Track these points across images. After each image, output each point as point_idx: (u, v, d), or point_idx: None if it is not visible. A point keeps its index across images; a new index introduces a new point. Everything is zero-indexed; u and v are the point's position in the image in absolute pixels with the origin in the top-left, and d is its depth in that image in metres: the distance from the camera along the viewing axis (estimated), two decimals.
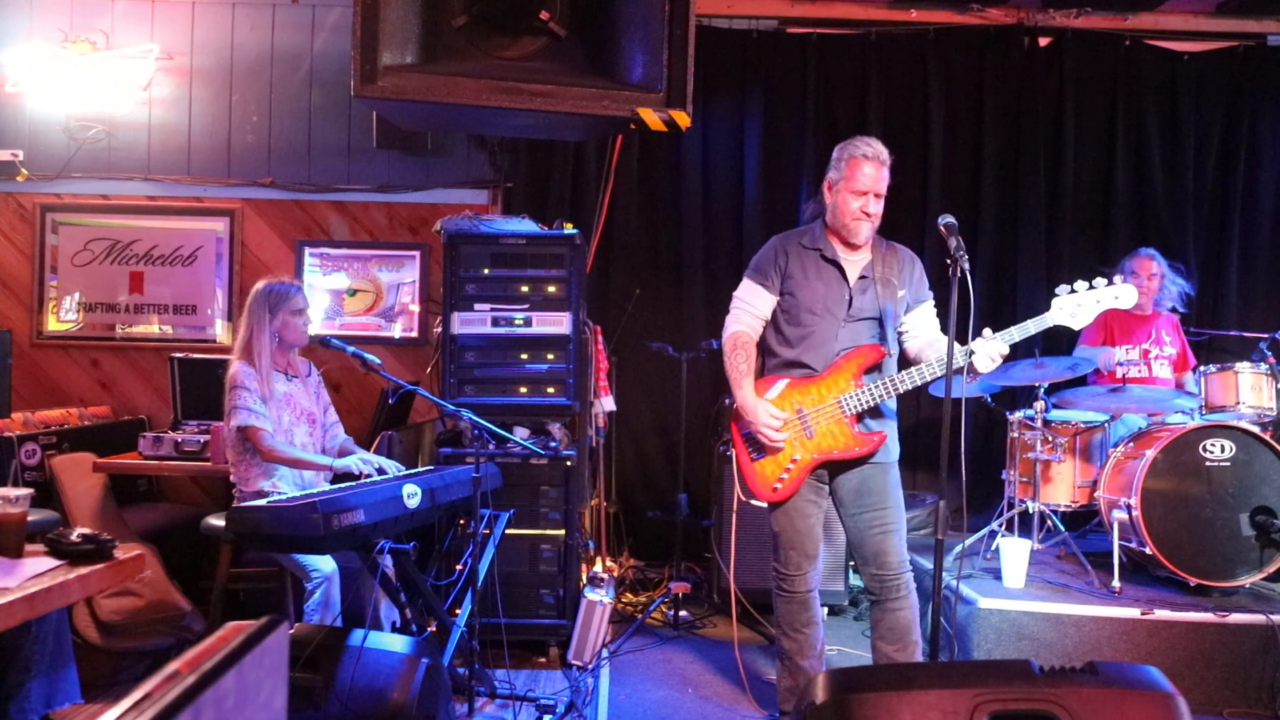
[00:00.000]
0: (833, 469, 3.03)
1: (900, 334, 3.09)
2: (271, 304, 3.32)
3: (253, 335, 3.30)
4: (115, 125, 4.91)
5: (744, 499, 3.13)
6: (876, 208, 2.97)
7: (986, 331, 2.88)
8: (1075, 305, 2.89)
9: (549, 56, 3.23)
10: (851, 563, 4.48)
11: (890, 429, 3.03)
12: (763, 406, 2.97)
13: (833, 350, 3.00)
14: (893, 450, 3.03)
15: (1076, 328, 2.98)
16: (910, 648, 2.94)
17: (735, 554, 4.25)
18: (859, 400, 2.93)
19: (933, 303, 3.11)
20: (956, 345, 2.84)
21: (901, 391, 2.93)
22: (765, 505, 3.09)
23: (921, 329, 3.07)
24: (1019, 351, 4.91)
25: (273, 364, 3.34)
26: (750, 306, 3.11)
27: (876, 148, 2.96)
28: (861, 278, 3.02)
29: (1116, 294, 2.89)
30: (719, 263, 5.20)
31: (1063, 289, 2.91)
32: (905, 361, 3.09)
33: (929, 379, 2.91)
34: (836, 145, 3.06)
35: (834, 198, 3.01)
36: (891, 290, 3.02)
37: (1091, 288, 2.87)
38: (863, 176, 2.94)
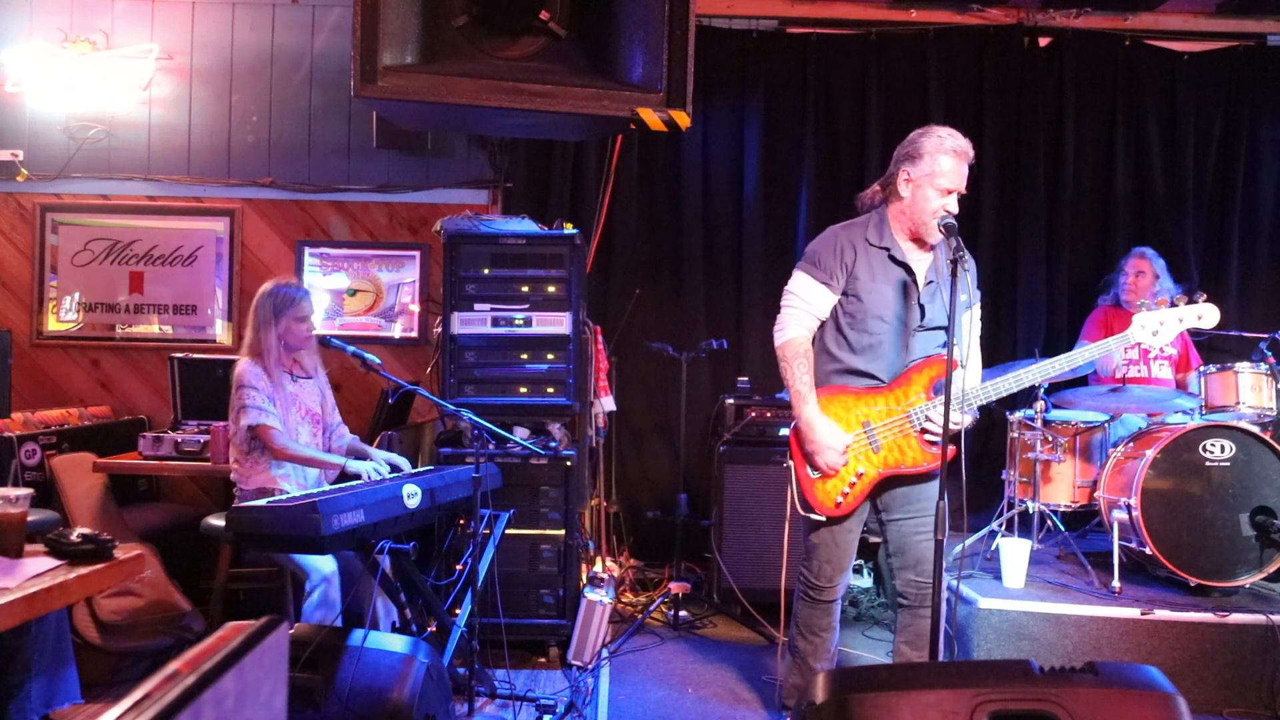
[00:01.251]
0: (889, 479, 2.88)
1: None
2: (277, 308, 3.33)
3: (259, 335, 3.32)
4: (115, 125, 4.90)
5: (801, 512, 2.89)
6: (956, 207, 2.77)
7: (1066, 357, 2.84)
8: (1157, 323, 2.81)
9: (549, 56, 3.23)
10: (856, 563, 4.49)
11: (958, 443, 2.85)
12: (829, 431, 2.79)
13: (903, 361, 2.84)
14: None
15: (1157, 346, 2.92)
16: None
17: (738, 554, 4.27)
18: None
19: (979, 306, 2.95)
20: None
21: (974, 406, 2.77)
22: (824, 519, 2.92)
23: (967, 336, 2.91)
24: (1019, 352, 4.97)
25: (279, 363, 3.35)
26: (809, 306, 2.90)
27: (964, 142, 2.76)
28: (929, 282, 2.84)
29: (1200, 313, 2.79)
30: (719, 263, 5.20)
31: (1144, 304, 2.83)
32: None
33: (1004, 394, 2.80)
34: (915, 131, 2.84)
35: (914, 192, 2.79)
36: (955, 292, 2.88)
37: (1173, 305, 2.79)
38: (952, 173, 2.73)
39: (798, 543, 3.20)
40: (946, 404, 2.55)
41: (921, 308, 2.84)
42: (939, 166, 2.74)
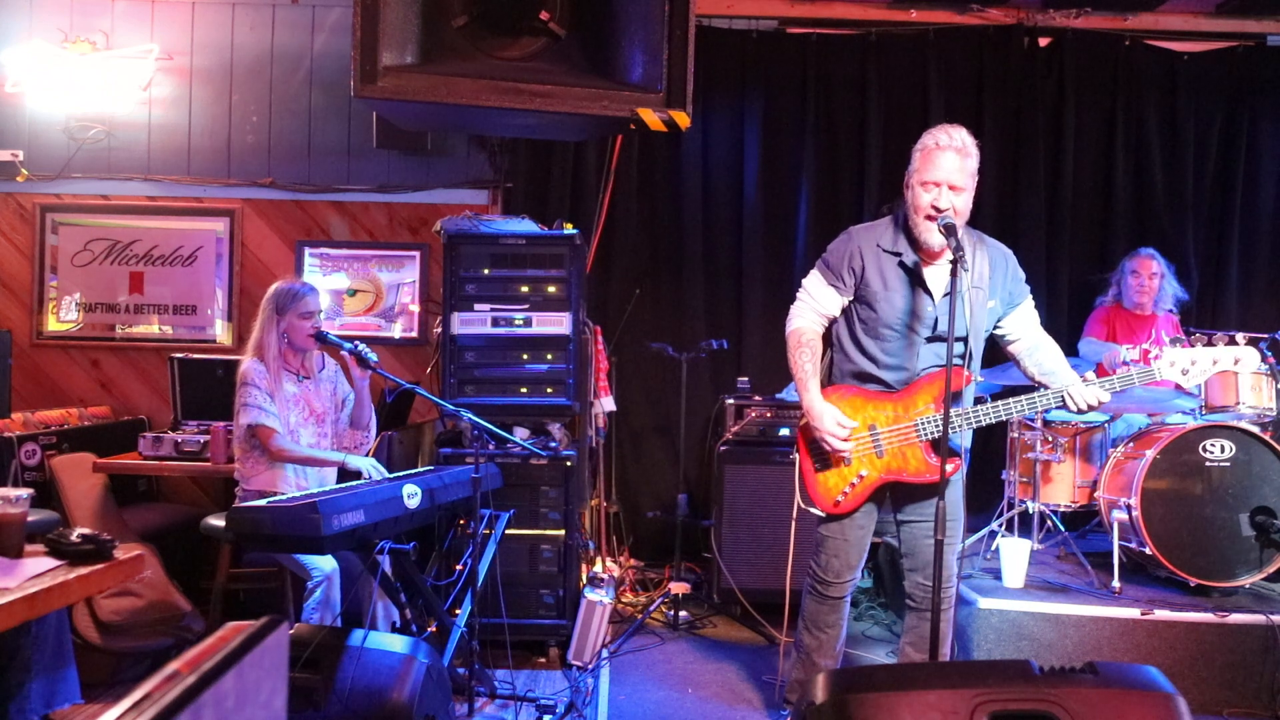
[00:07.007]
0: (896, 484, 2.91)
1: (1000, 337, 2.97)
2: (280, 305, 3.33)
3: (263, 334, 3.33)
4: (115, 125, 4.90)
5: (803, 506, 2.96)
6: (951, 201, 2.69)
7: (1090, 375, 2.81)
8: (1188, 362, 2.72)
9: (549, 56, 3.23)
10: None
11: (963, 456, 2.88)
12: (830, 413, 2.81)
13: (914, 371, 2.85)
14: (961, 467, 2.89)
15: (1188, 386, 2.80)
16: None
17: (737, 554, 4.26)
18: (937, 427, 2.76)
19: (1031, 301, 2.97)
20: (1052, 381, 2.81)
21: (982, 425, 2.80)
22: (823, 514, 2.96)
23: (1022, 331, 2.94)
24: None
25: (284, 364, 3.35)
26: (816, 302, 2.95)
27: (954, 134, 2.73)
28: (946, 294, 2.76)
29: (1237, 356, 2.67)
30: (719, 263, 5.20)
31: (1178, 339, 2.78)
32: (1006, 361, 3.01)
33: (1014, 415, 2.82)
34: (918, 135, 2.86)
35: (909, 192, 2.79)
36: (981, 301, 2.81)
37: (1210, 344, 2.71)
38: (933, 166, 2.70)
39: (803, 542, 3.22)
40: (945, 416, 2.55)
41: (936, 319, 2.82)
42: (923, 161, 2.76)
